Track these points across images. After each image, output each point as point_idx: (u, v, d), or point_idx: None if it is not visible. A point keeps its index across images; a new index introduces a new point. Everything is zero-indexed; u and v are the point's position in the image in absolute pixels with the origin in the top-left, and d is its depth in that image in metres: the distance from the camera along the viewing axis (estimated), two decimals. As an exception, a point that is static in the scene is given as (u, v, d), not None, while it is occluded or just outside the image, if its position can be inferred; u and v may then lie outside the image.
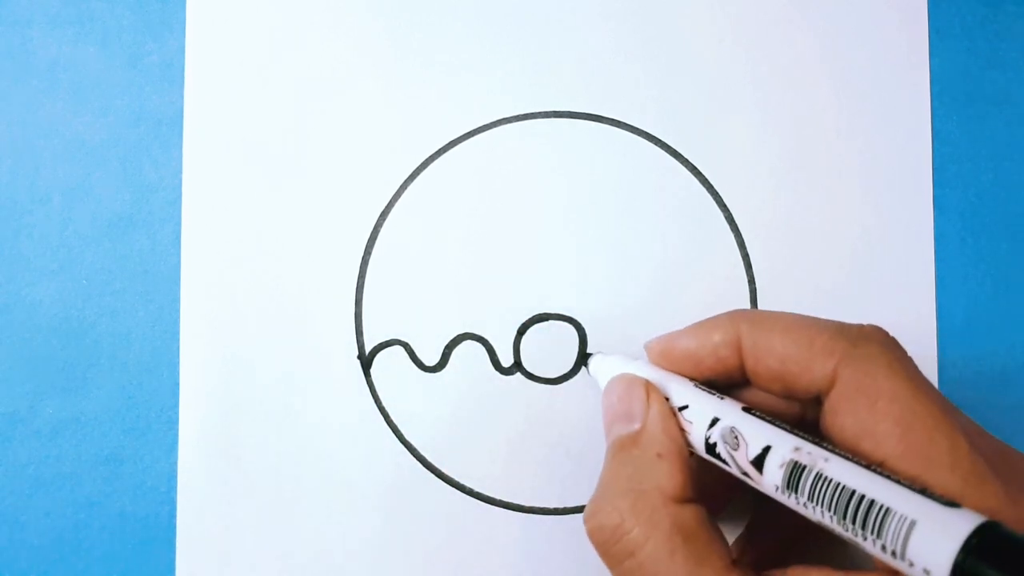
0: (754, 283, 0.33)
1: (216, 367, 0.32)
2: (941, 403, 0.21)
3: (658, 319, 0.32)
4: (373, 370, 0.32)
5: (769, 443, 0.21)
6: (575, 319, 0.32)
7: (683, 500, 0.22)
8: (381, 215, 0.33)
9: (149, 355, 0.32)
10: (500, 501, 0.32)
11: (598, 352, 0.30)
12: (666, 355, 0.26)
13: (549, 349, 0.32)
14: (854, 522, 0.19)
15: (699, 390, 0.24)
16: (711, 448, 0.23)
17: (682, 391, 0.24)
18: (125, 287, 0.32)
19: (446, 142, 0.33)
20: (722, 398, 0.24)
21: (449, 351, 0.32)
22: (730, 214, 0.33)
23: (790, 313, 0.24)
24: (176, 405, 0.32)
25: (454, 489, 0.32)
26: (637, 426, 0.24)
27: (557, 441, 0.32)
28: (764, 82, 0.33)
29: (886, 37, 0.33)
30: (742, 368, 0.24)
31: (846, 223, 0.33)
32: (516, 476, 0.32)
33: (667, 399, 0.25)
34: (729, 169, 0.33)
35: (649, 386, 0.25)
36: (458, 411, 0.32)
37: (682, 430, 0.24)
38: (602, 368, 0.28)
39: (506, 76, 0.33)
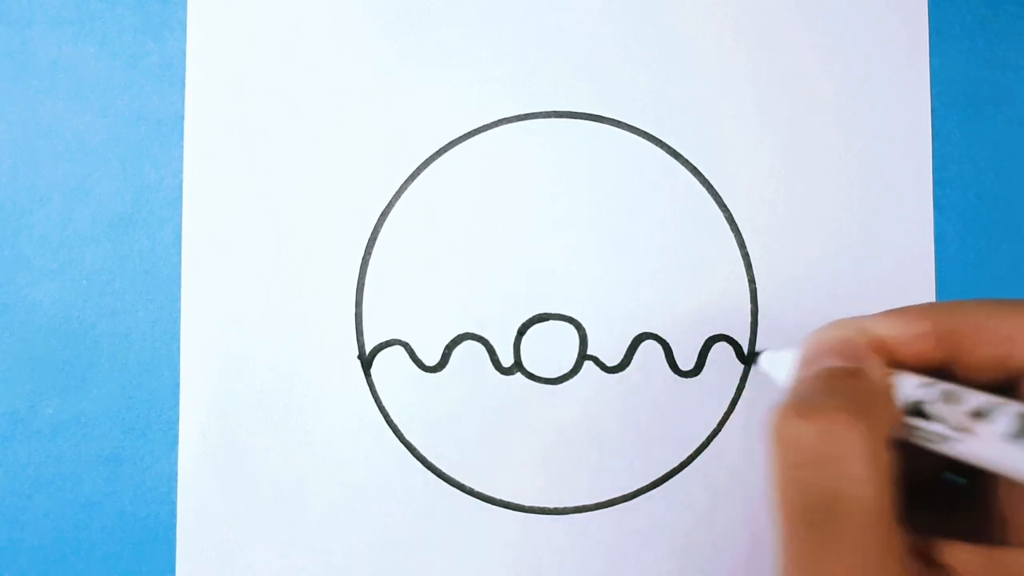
0: (754, 283, 0.33)
1: (216, 367, 0.32)
2: None
3: (658, 319, 0.32)
4: (373, 370, 0.32)
5: (995, 399, 0.22)
6: (575, 319, 0.32)
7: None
8: (381, 215, 0.33)
9: (149, 355, 0.32)
10: (500, 501, 0.32)
11: (765, 349, 0.28)
12: None
13: (549, 349, 0.32)
14: None
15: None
16: (914, 408, 0.23)
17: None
18: (125, 287, 0.32)
19: (446, 142, 0.33)
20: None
21: (449, 351, 0.32)
22: (730, 214, 0.33)
23: (985, 299, 0.24)
24: (176, 405, 0.32)
25: (454, 489, 0.32)
26: (855, 365, 0.23)
27: (557, 441, 0.32)
28: (764, 82, 0.33)
29: (886, 37, 0.33)
30: (939, 361, 0.24)
31: (846, 223, 0.33)
32: (516, 476, 0.32)
33: None
34: (729, 169, 0.33)
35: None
36: (458, 411, 0.32)
37: None
38: (776, 358, 0.27)
39: (506, 76, 0.33)
